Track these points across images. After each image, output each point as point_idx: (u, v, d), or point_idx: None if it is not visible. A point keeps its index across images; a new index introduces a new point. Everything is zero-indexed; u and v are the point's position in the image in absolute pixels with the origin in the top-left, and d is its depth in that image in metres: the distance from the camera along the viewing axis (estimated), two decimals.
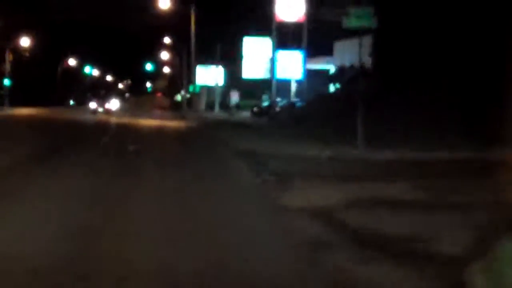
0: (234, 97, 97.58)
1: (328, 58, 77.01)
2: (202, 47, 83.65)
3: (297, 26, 76.93)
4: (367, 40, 59.27)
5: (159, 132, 46.63)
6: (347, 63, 63.68)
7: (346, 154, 25.11)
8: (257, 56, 73.27)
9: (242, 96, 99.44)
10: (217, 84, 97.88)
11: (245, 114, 77.73)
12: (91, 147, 29.90)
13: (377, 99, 36.06)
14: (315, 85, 78.53)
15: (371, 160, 23.57)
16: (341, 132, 32.41)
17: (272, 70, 71.20)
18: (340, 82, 64.38)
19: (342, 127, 34.91)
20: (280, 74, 74.87)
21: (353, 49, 65.31)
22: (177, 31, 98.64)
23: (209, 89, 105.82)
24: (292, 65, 75.99)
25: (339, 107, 44.50)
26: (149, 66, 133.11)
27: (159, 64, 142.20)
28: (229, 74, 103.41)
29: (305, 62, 76.28)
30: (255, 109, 69.59)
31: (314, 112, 50.18)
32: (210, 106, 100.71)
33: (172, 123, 60.07)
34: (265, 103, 70.16)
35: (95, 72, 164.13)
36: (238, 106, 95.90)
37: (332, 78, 66.07)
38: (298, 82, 77.41)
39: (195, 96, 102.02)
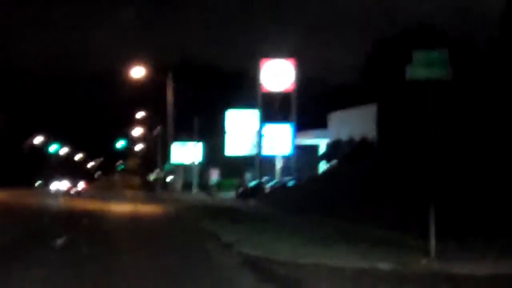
0: (214, 175, 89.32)
1: (319, 132, 69.41)
2: (179, 121, 75.62)
3: (285, 97, 69.50)
4: (370, 111, 51.88)
5: (134, 223, 38.00)
6: (343, 137, 55.88)
7: (413, 265, 16.81)
8: (241, 130, 65.46)
9: (223, 175, 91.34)
10: (193, 163, 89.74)
11: (228, 195, 69.31)
12: (41, 256, 21.02)
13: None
14: (303, 162, 70.82)
15: (465, 277, 15.27)
16: (366, 222, 24.45)
17: (259, 145, 63.32)
18: (335, 159, 56.35)
19: (366, 216, 26.96)
20: (267, 150, 67.09)
21: (352, 121, 58.38)
22: (151, 103, 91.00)
23: (186, 168, 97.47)
24: (280, 140, 68.25)
25: (346, 188, 36.50)
26: (120, 144, 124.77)
27: (131, 141, 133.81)
28: (208, 151, 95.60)
29: (294, 136, 68.66)
30: (240, 189, 61.32)
31: (314, 194, 41.96)
32: (187, 186, 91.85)
33: (148, 208, 51.55)
34: (252, 183, 61.96)
35: (64, 150, 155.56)
36: (218, 186, 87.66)
37: (325, 155, 58.15)
38: (284, 158, 69.44)
39: (175, 174, 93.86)
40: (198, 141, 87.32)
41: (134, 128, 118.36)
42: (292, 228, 27.07)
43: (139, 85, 74.35)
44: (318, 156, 62.95)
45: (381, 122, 48.68)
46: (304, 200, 41.23)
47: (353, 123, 54.88)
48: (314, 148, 73.85)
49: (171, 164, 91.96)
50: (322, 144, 74.76)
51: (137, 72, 61.91)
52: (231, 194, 74.38)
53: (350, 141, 54.01)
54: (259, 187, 58.74)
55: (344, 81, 67.87)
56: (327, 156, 57.02)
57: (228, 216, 36.45)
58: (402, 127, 41.65)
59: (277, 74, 68.87)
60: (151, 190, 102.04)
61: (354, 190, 34.87)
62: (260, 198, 53.00)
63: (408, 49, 17.89)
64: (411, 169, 28.68)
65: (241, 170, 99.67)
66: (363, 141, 50.68)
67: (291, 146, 69.10)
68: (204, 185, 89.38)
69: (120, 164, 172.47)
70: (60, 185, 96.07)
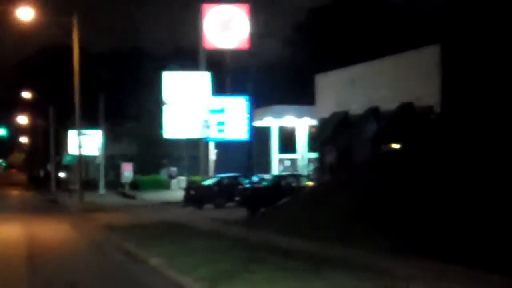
0: (127, 170, 67.81)
1: (293, 109, 49.41)
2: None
3: (238, 57, 48.92)
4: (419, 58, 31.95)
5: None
6: (353, 108, 35.73)
7: None
8: (186, 102, 44.04)
9: (139, 170, 70.25)
10: (100, 155, 68.45)
11: (150, 197, 54.77)
12: None
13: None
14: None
15: None
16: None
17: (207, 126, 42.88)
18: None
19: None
20: (214, 133, 46.50)
21: (372, 81, 36.89)
22: (46, 74, 69.40)
23: (87, 162, 75.56)
24: (232, 119, 47.68)
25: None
26: (1, 132, 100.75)
27: (14, 130, 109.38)
28: (113, 140, 74.31)
29: (250, 113, 48.27)
30: (191, 191, 40.07)
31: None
32: (89, 185, 68.79)
33: (49, 231, 30.10)
34: (208, 181, 40.94)
35: None
36: (134, 184, 66.52)
37: (322, 136, 37.82)
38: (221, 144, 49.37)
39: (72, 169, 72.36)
40: (97, 128, 66.20)
41: (18, 115, 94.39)
42: None
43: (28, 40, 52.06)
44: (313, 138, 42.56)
45: (447, 76, 28.79)
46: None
47: (376, 84, 34.80)
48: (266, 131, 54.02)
49: (72, 156, 70.13)
50: (300, 126, 54.71)
51: (25, 13, 39.83)
52: (154, 196, 53.73)
53: (374, 112, 33.94)
54: (225, 186, 38.26)
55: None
56: (329, 141, 36.76)
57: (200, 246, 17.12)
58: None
59: (226, 25, 48.20)
60: (40, 189, 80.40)
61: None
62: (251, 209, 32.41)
63: None
64: None
65: (158, 164, 79.20)
66: (408, 110, 30.80)
67: (247, 128, 48.54)
68: (115, 183, 68.19)
69: (1, 162, 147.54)
70: None
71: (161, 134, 75.57)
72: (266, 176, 41.20)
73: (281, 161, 58.02)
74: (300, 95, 51.24)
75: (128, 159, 73.38)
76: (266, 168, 57.51)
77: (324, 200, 24.86)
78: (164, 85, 42.33)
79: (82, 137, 49.30)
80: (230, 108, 47.95)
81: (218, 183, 39.70)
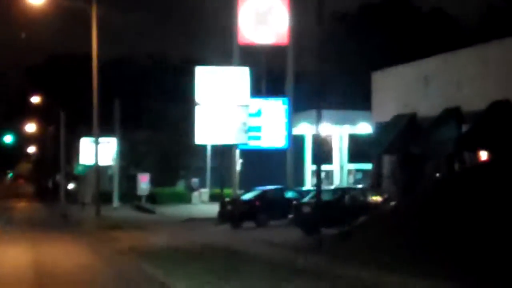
0: (144, 182, 62.15)
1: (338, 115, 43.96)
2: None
3: (276, 54, 43.34)
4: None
5: None
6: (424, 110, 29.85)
7: None
8: (223, 103, 37.89)
9: (156, 181, 64.61)
10: (114, 163, 62.82)
11: (170, 211, 49.65)
12: None
13: None
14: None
15: None
16: None
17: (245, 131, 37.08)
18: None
19: None
20: (251, 140, 40.80)
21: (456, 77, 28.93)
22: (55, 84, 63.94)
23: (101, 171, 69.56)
24: (269, 125, 41.89)
25: None
26: (8, 139, 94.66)
27: (22, 139, 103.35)
28: (129, 149, 68.79)
29: (289, 119, 42.61)
30: (229, 206, 34.02)
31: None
32: (103, 196, 62.72)
33: (64, 253, 24.34)
34: (248, 195, 34.90)
35: None
36: (152, 197, 60.85)
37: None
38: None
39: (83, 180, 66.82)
40: (111, 135, 60.24)
41: (26, 122, 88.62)
42: None
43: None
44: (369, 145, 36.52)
45: None
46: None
47: (457, 80, 28.92)
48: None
49: (84, 166, 64.55)
50: (337, 134, 49.07)
51: None
52: (176, 211, 48.02)
53: (453, 113, 28.10)
54: (274, 202, 32.39)
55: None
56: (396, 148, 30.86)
57: None
58: None
59: (263, 18, 42.51)
60: (48, 200, 75.15)
61: None
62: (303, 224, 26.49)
63: None
64: None
65: (175, 175, 73.66)
66: (503, 109, 24.92)
67: (285, 135, 42.74)
68: (130, 196, 62.64)
69: (9, 172, 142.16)
70: None
71: (179, 143, 71.43)
72: (323, 189, 35.15)
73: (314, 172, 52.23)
74: (347, 98, 45.49)
75: (143, 169, 67.83)
76: (299, 181, 52.10)
77: (418, 224, 19.03)
78: (196, 82, 36.37)
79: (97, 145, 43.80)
80: (267, 112, 42.15)
81: (260, 197, 33.68)
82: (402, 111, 32.77)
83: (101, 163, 62.77)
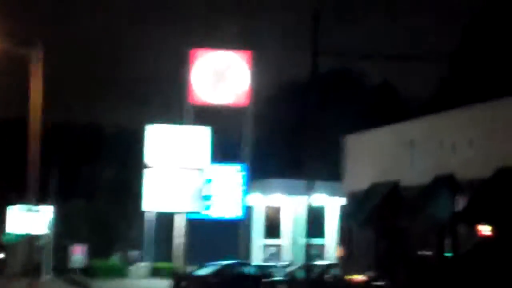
0: (77, 254, 57.12)
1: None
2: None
3: (233, 116, 39.82)
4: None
5: None
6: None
7: None
8: (172, 163, 33.74)
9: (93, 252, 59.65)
10: (49, 233, 57.96)
11: (113, 286, 47.05)
12: None
13: None
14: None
15: None
16: None
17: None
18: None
19: None
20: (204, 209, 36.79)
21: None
22: None
23: (31, 241, 64.90)
24: (221, 193, 37.92)
25: None
26: None
27: None
28: (63, 218, 63.79)
29: (246, 187, 38.92)
30: (183, 283, 29.54)
31: None
32: (33, 269, 57.42)
33: None
34: (202, 270, 30.52)
35: None
36: (86, 270, 55.77)
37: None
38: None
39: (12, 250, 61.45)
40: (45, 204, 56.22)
41: None
42: None
43: None
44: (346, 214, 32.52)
45: None
46: None
47: (452, 144, 25.51)
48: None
49: (13, 235, 59.53)
50: (288, 204, 45.43)
51: None
52: (113, 286, 43.66)
53: (447, 182, 24.64)
54: (233, 279, 28.13)
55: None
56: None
57: None
58: None
59: (220, 76, 39.04)
60: None
61: None
62: None
63: None
64: None
65: (110, 247, 68.62)
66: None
67: (242, 204, 38.84)
68: (62, 268, 57.41)
69: None
70: None
71: (117, 211, 66.90)
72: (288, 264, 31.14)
73: (265, 246, 48.24)
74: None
75: (78, 240, 62.86)
76: (245, 255, 48.30)
77: None
78: (147, 141, 32.16)
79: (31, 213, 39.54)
80: (220, 179, 38.14)
81: (218, 273, 29.40)
82: (381, 179, 29.10)
83: (33, 232, 58.36)
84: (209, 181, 38.38)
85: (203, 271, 30.49)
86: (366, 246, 29.50)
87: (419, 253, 26.05)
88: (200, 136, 32.87)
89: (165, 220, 44.20)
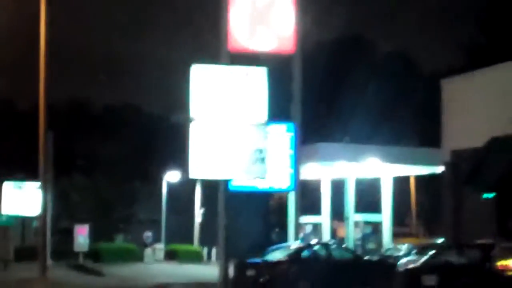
0: (82, 235, 50.91)
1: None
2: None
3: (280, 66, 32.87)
4: None
5: None
6: None
7: None
8: (224, 114, 26.37)
9: (95, 235, 53.66)
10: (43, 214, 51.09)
11: (127, 272, 40.45)
12: None
13: None
14: None
15: None
16: None
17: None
18: None
19: None
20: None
21: None
22: None
23: (24, 222, 59.48)
24: (269, 159, 30.39)
25: None
26: None
27: None
28: (59, 196, 57.52)
29: (296, 152, 32.16)
30: (249, 271, 22.64)
31: None
32: (27, 253, 50.21)
33: None
34: (275, 254, 23.55)
35: None
36: (95, 254, 49.97)
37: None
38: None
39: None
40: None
41: None
42: None
43: None
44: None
45: None
46: None
47: None
48: None
49: (8, 216, 53.44)
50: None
51: None
52: (130, 272, 40.21)
53: None
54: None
55: None
56: None
57: None
58: None
59: (262, 17, 32.04)
60: None
61: None
62: None
63: None
64: None
65: (114, 228, 63.05)
66: None
67: (291, 174, 31.97)
68: (63, 253, 51.52)
69: None
70: None
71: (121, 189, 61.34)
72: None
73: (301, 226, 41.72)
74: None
75: (77, 221, 57.19)
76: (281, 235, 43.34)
77: None
78: (192, 86, 24.82)
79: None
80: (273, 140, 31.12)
81: (297, 258, 22.38)
82: (504, 132, 22.22)
83: (28, 213, 51.86)
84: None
85: (275, 254, 23.42)
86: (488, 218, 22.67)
87: None
88: (257, 80, 25.57)
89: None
